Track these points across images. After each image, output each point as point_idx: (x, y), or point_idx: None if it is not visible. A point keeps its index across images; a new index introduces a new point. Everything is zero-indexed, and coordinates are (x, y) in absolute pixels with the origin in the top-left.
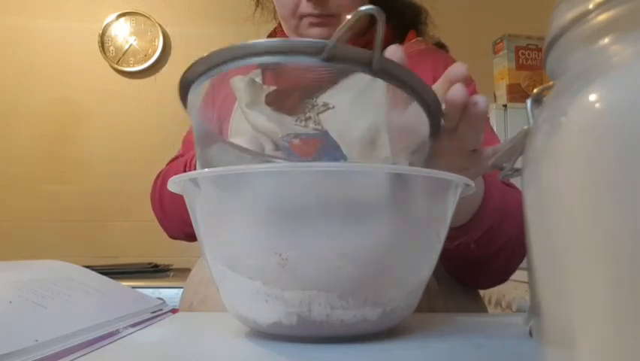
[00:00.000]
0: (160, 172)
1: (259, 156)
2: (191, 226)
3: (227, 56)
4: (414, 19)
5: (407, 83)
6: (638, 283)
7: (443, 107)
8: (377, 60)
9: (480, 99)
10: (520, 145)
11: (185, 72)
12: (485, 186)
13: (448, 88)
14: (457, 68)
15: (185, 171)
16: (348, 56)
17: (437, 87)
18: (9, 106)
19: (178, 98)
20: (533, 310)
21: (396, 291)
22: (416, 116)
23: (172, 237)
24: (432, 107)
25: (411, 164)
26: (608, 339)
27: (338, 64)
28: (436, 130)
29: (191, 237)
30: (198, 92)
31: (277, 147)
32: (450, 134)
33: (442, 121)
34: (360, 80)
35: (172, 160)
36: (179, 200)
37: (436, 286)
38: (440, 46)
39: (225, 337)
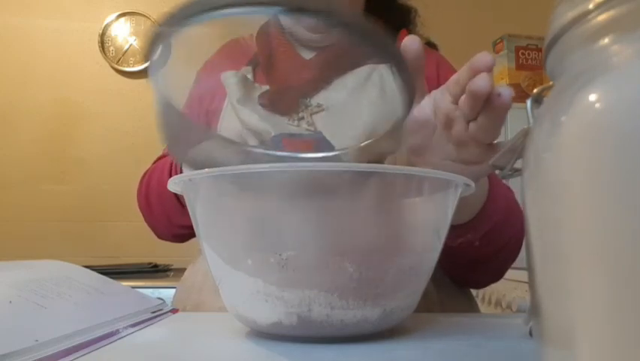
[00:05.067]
0: (146, 172)
1: (245, 151)
2: (178, 226)
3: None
4: (404, 18)
5: (370, 39)
6: (639, 283)
7: (463, 97)
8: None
9: (504, 90)
10: (520, 145)
11: (152, 35)
12: (490, 183)
13: (472, 77)
14: (483, 57)
15: (170, 170)
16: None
17: (460, 75)
18: (9, 106)
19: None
20: (533, 310)
21: (396, 291)
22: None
23: (160, 237)
24: (402, 73)
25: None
26: (608, 339)
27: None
28: (408, 106)
29: (178, 237)
30: (163, 59)
31: (264, 146)
32: (468, 125)
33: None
34: (355, 79)
35: (158, 159)
36: (165, 200)
37: (431, 285)
38: (431, 45)
39: (225, 337)
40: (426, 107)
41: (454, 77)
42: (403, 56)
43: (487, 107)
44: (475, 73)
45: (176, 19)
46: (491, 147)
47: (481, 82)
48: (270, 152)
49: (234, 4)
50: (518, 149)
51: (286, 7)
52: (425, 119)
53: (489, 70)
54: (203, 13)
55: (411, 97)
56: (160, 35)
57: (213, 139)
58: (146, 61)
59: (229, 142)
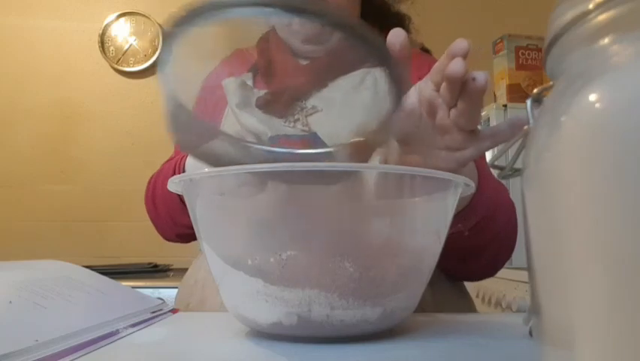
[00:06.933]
0: (153, 175)
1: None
2: (182, 226)
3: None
4: (399, 26)
5: (360, 35)
6: (639, 283)
7: (444, 85)
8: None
9: (479, 74)
10: (502, 131)
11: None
12: (479, 175)
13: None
14: (459, 43)
15: (174, 172)
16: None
17: (440, 63)
18: (9, 106)
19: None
20: (533, 310)
21: (397, 291)
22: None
23: (165, 238)
24: (392, 69)
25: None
26: (608, 339)
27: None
28: (397, 102)
29: (182, 238)
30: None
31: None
32: (448, 112)
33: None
34: (349, 82)
35: (166, 162)
36: (170, 202)
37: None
38: (424, 50)
39: (225, 337)
40: (412, 96)
41: (435, 66)
42: (393, 54)
43: (464, 91)
44: (452, 58)
45: (183, 20)
46: (473, 134)
47: (454, 66)
48: (268, 148)
49: (233, 4)
50: (501, 134)
51: (284, 8)
52: (411, 108)
53: (464, 55)
54: (205, 14)
55: (401, 92)
56: (169, 35)
57: (221, 137)
58: (159, 60)
59: (235, 139)
